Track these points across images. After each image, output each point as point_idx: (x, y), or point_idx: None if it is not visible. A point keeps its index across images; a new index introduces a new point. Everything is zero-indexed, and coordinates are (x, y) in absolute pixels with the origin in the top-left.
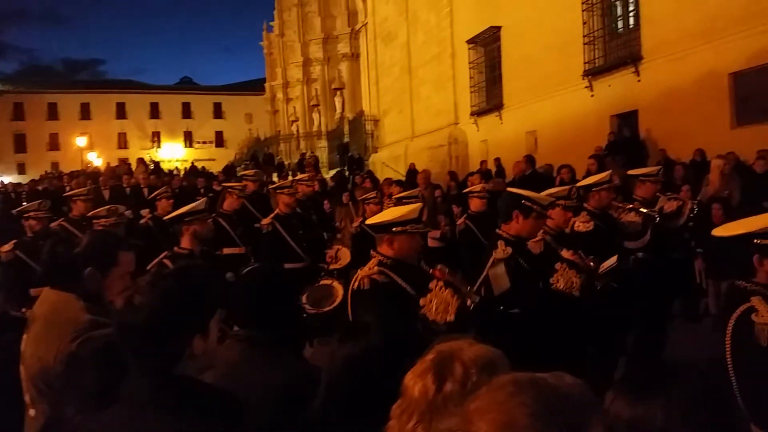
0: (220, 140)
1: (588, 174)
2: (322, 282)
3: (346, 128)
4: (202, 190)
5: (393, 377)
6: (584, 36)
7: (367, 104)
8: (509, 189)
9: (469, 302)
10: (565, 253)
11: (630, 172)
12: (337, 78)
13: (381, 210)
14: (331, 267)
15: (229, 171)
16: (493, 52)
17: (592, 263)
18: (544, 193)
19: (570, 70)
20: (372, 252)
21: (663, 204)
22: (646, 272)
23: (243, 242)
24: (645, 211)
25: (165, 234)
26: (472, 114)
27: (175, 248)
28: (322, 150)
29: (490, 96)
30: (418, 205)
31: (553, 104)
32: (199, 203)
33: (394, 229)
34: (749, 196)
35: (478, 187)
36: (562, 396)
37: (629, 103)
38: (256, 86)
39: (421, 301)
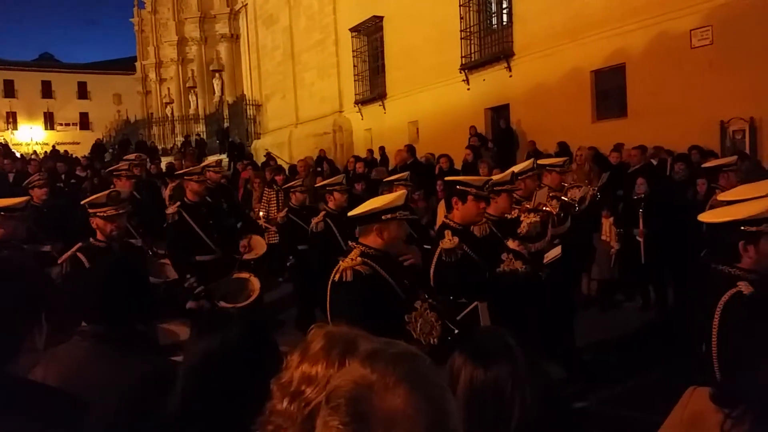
0: (85, 122)
1: (465, 163)
2: (236, 275)
3: (226, 112)
4: (63, 176)
5: (254, 374)
6: (461, 31)
7: (248, 88)
8: (445, 178)
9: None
10: (511, 244)
11: (539, 161)
12: (216, 59)
13: (347, 198)
14: (245, 257)
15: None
16: (376, 42)
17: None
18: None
19: (448, 63)
20: (351, 243)
21: (568, 192)
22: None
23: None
24: (565, 199)
25: (42, 225)
26: (357, 102)
27: (91, 239)
28: (201, 134)
29: (374, 85)
30: (404, 191)
31: (433, 95)
32: (101, 195)
33: (384, 216)
34: (606, 187)
35: (339, 179)
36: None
37: (502, 97)
38: (125, 65)
39: (406, 317)
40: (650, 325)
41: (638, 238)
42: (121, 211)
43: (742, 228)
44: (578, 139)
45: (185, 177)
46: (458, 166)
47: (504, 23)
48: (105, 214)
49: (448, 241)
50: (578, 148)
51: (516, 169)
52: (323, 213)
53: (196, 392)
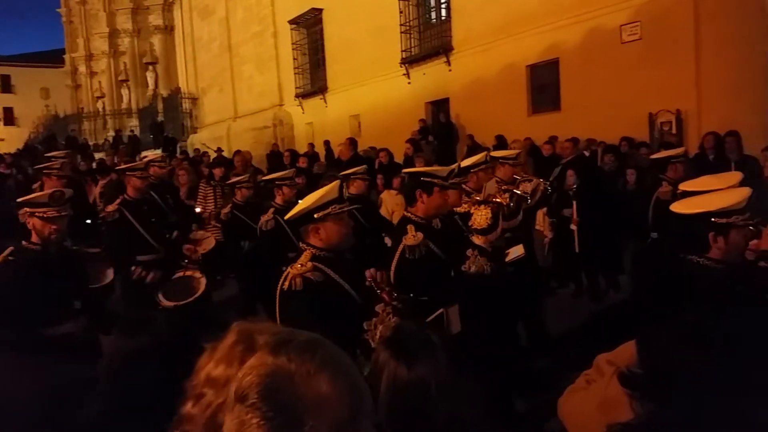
0: (9, 118)
1: (406, 157)
2: (182, 273)
3: (161, 106)
4: None
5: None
6: (401, 25)
7: (183, 81)
8: (406, 170)
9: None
10: (476, 239)
11: (492, 154)
12: (149, 52)
13: (296, 193)
14: (193, 256)
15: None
16: (316, 34)
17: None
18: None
19: (389, 57)
20: (301, 244)
21: (520, 185)
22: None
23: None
24: (518, 192)
25: None
26: (297, 96)
27: (24, 242)
28: (134, 129)
29: (315, 78)
30: (336, 182)
31: (375, 89)
32: (42, 195)
33: (316, 215)
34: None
35: (289, 173)
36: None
37: (442, 91)
38: (53, 58)
39: (366, 325)
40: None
41: (572, 227)
42: (63, 213)
43: (713, 219)
44: (515, 132)
45: (127, 173)
46: (399, 159)
47: (443, 18)
48: (45, 215)
49: (412, 237)
50: (513, 141)
51: (467, 162)
52: (272, 210)
53: (116, 395)
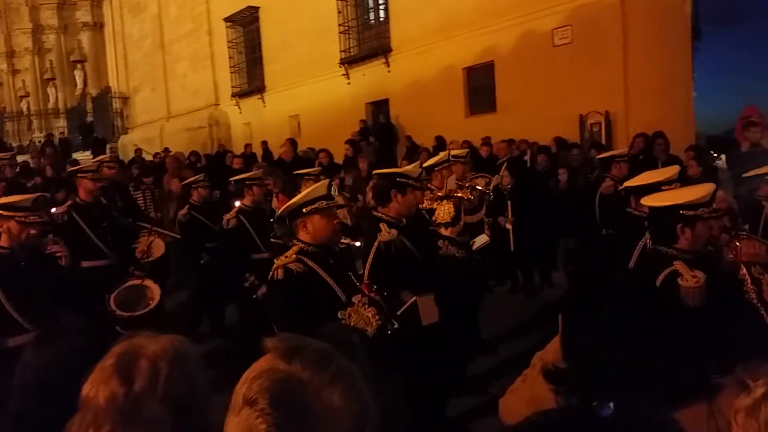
0: None
1: (346, 158)
2: (132, 281)
3: (90, 106)
4: None
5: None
6: (339, 25)
7: (114, 80)
8: (378, 171)
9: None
10: (445, 231)
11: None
12: (77, 49)
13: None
14: (142, 261)
15: None
16: (252, 33)
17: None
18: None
19: (328, 57)
20: (294, 240)
21: (473, 181)
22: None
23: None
24: (480, 188)
25: None
26: (234, 95)
27: None
28: (63, 131)
29: (252, 78)
30: (326, 181)
31: (314, 89)
32: (27, 198)
33: (304, 209)
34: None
35: (258, 173)
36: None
37: (381, 92)
38: None
39: (340, 314)
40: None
41: (507, 226)
42: (43, 219)
43: (681, 212)
44: (453, 133)
45: (78, 175)
46: (339, 160)
47: (381, 19)
48: (25, 220)
49: (386, 233)
50: (450, 142)
51: (430, 162)
52: (236, 209)
53: (29, 410)
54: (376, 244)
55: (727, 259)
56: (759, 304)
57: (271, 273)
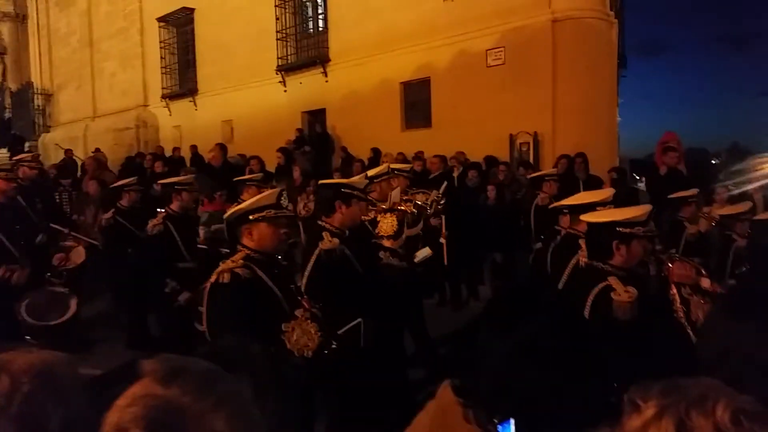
0: None
1: (278, 166)
2: (49, 288)
3: (8, 101)
4: None
5: None
6: (277, 32)
7: (36, 75)
8: (323, 181)
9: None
10: (387, 243)
11: (392, 166)
12: None
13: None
14: (60, 267)
15: None
16: (186, 34)
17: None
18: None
19: (265, 63)
20: (238, 246)
21: (414, 196)
22: None
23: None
24: (420, 203)
25: None
26: (164, 97)
27: None
28: None
29: (184, 80)
30: (276, 189)
31: (249, 95)
32: None
33: (251, 216)
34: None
35: (188, 178)
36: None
37: (318, 101)
38: None
39: (284, 326)
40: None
41: (441, 240)
42: None
43: (618, 229)
44: (389, 146)
45: None
46: (272, 168)
47: (320, 28)
48: None
49: (328, 241)
50: (385, 155)
51: (371, 173)
52: (162, 214)
53: None
54: (317, 252)
55: (655, 280)
56: (687, 324)
57: (215, 277)
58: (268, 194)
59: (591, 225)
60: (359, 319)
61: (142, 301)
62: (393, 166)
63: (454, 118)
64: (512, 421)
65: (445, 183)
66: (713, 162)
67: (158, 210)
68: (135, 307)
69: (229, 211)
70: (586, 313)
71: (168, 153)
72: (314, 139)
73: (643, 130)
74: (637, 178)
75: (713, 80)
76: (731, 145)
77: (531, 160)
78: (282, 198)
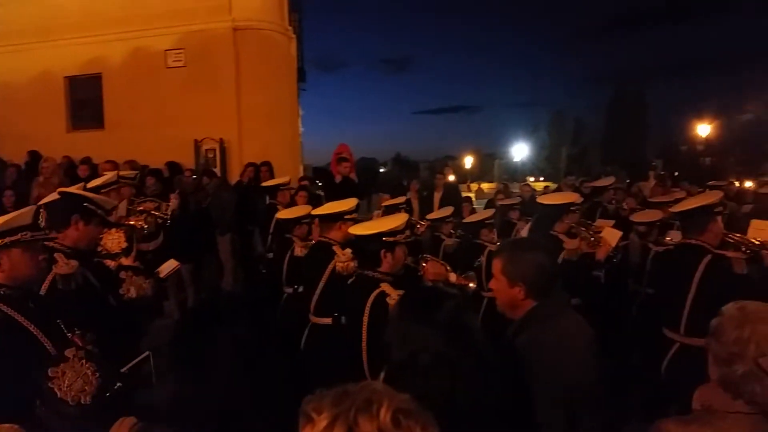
0: None
1: None
2: None
3: None
4: None
5: None
6: None
7: None
8: (63, 189)
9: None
10: (125, 261)
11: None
12: None
13: None
14: None
15: None
16: None
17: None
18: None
19: None
20: None
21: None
22: None
23: None
24: (156, 213)
25: None
26: None
27: None
28: None
29: None
30: (32, 208)
31: None
32: None
33: (1, 241)
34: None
35: None
36: None
37: None
38: None
39: (51, 372)
40: None
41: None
42: None
43: (384, 238)
44: (52, 148)
45: None
46: None
47: None
48: None
49: (64, 265)
50: (44, 159)
51: (95, 183)
52: None
53: None
54: (51, 276)
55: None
56: None
57: None
58: (22, 213)
59: (359, 236)
60: (147, 352)
61: None
62: (121, 173)
63: (131, 120)
64: None
65: (177, 191)
66: (381, 170)
67: None
68: None
69: None
70: (365, 319)
71: None
72: None
73: (325, 139)
74: (319, 184)
75: (379, 97)
76: (395, 155)
77: (218, 167)
78: (39, 218)
